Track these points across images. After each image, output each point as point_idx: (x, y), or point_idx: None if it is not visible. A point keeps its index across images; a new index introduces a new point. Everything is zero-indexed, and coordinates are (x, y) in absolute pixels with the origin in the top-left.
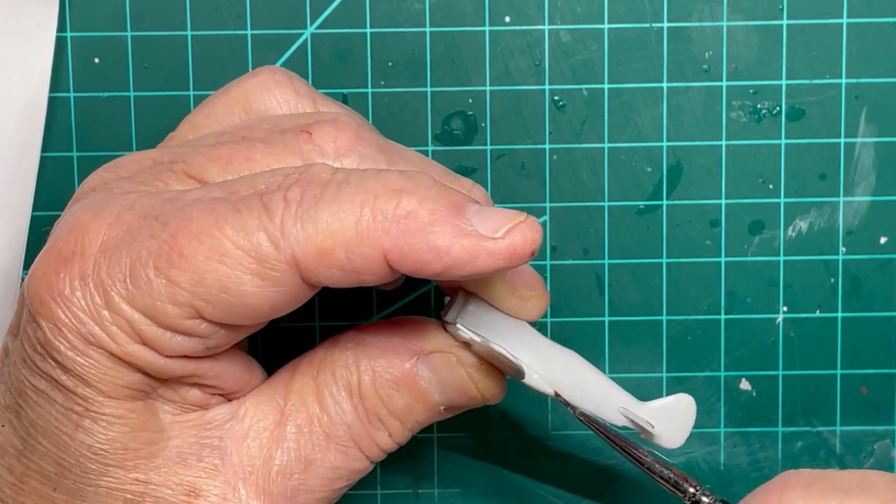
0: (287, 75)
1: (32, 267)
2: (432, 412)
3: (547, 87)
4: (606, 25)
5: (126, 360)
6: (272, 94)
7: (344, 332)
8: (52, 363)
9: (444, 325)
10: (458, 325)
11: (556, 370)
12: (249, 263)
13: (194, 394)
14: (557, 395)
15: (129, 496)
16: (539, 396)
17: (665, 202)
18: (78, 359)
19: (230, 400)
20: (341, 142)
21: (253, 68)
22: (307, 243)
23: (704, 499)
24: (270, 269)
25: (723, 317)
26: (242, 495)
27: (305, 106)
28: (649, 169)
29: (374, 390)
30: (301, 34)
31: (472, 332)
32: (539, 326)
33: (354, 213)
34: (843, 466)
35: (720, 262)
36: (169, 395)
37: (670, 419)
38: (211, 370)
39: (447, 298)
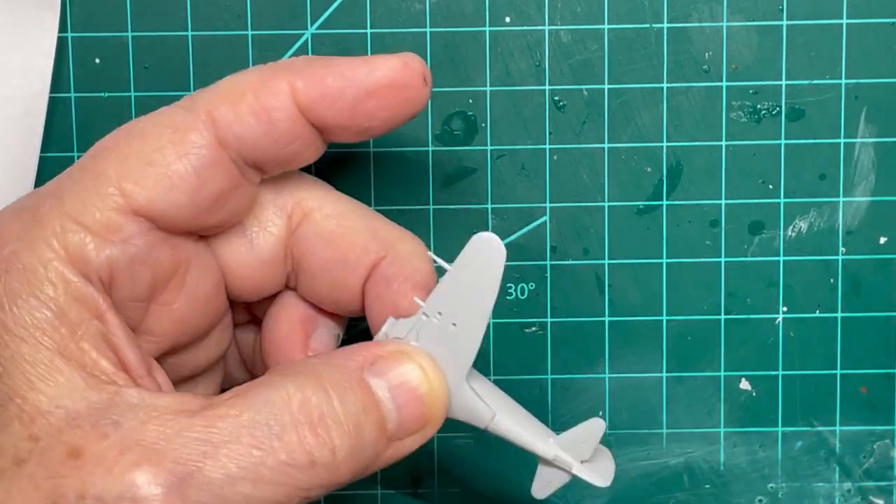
0: None
1: None
2: (379, 435)
3: (547, 87)
4: (606, 25)
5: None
6: None
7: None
8: None
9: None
10: (391, 336)
11: (497, 400)
12: (167, 133)
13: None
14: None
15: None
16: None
17: (665, 202)
18: None
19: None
20: None
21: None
22: (217, 97)
23: None
24: (187, 131)
25: (723, 317)
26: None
27: None
28: (649, 169)
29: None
30: (301, 34)
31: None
32: (539, 326)
33: (256, 70)
34: (842, 466)
35: (720, 263)
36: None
37: (584, 449)
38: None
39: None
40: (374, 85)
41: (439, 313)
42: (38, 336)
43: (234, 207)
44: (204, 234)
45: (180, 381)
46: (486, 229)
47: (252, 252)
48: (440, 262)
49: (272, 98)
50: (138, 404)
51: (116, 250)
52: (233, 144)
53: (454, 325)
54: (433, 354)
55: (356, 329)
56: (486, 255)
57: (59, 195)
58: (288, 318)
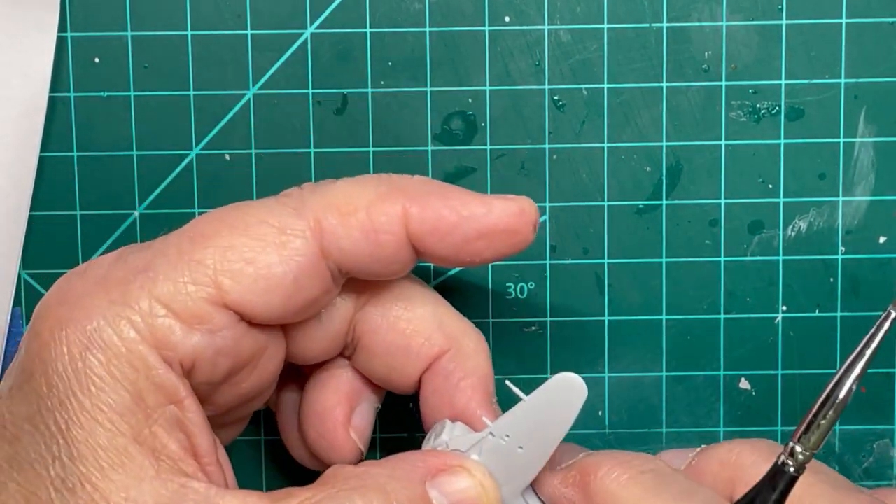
0: None
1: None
2: None
3: (547, 87)
4: (606, 25)
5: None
6: None
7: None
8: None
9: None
10: (452, 447)
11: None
12: (273, 234)
13: (176, 440)
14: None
15: None
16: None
17: (665, 202)
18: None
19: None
20: None
21: (253, 68)
22: (329, 206)
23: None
24: (294, 236)
25: (722, 316)
26: None
27: None
28: (649, 169)
29: None
30: (301, 34)
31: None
32: (539, 325)
33: (373, 183)
34: (842, 466)
35: (720, 262)
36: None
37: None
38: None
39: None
40: (488, 228)
41: (507, 436)
42: (115, 420)
43: (319, 306)
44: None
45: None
46: None
47: (319, 328)
48: (516, 391)
49: (384, 219)
50: (203, 502)
51: (203, 340)
52: (335, 255)
53: (520, 448)
54: (493, 471)
55: None
56: (567, 393)
57: (153, 275)
58: (335, 389)
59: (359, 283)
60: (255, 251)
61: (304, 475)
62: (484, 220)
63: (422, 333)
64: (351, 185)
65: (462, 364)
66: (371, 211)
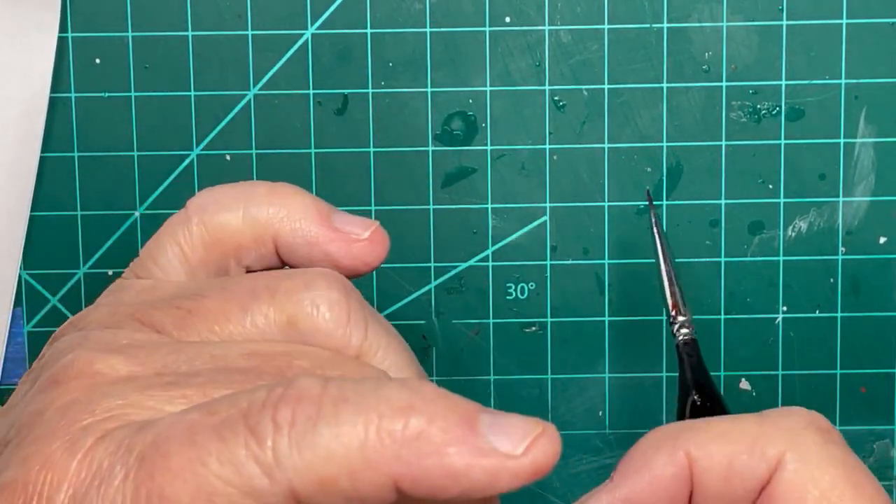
0: (345, 291)
1: None
2: None
3: (547, 87)
4: (606, 26)
5: None
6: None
7: None
8: None
9: None
10: None
11: None
12: (242, 500)
13: None
14: None
15: None
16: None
17: (665, 202)
18: None
19: None
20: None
21: (253, 68)
22: (306, 472)
23: (682, 331)
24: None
25: (723, 317)
26: None
27: (354, 332)
28: (649, 169)
29: None
30: (301, 34)
31: None
32: (539, 326)
33: (358, 435)
34: None
35: (720, 262)
36: None
37: None
38: None
39: None
40: (495, 491)
41: None
42: None
43: None
44: None
45: None
46: (487, 229)
47: None
48: None
49: (371, 490)
50: None
51: None
52: None
53: None
54: None
55: None
56: None
57: None
58: None
59: None
60: None
61: None
62: (489, 488)
63: None
64: (332, 439)
65: None
66: (355, 480)
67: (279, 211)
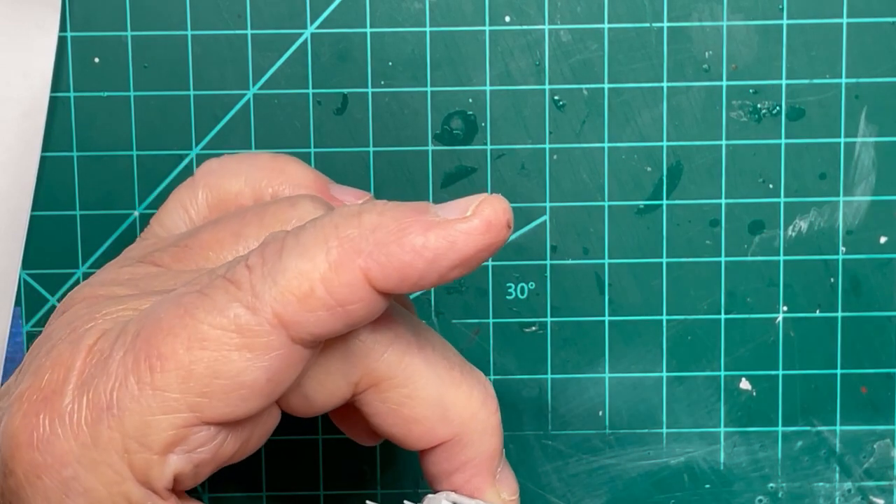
0: (329, 210)
1: (12, 407)
2: None
3: (547, 86)
4: (606, 25)
5: None
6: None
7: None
8: None
9: None
10: None
11: None
12: (233, 339)
13: None
14: None
15: None
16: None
17: (665, 202)
18: None
19: None
20: None
21: (253, 68)
22: (284, 294)
23: None
24: (256, 337)
25: (723, 316)
26: None
27: None
28: (649, 169)
29: None
30: (301, 34)
31: None
32: (539, 326)
33: (321, 247)
34: (842, 466)
35: (720, 262)
36: None
37: None
38: None
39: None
40: (460, 259)
41: None
42: None
43: (305, 372)
44: None
45: None
46: None
47: (311, 407)
48: None
49: (346, 291)
50: None
51: (182, 459)
52: (306, 339)
53: None
54: None
55: None
56: None
57: (118, 412)
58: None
59: (356, 372)
60: (219, 362)
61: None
62: (452, 254)
63: (424, 423)
64: (298, 258)
65: (465, 449)
66: (329, 287)
67: (279, 176)
